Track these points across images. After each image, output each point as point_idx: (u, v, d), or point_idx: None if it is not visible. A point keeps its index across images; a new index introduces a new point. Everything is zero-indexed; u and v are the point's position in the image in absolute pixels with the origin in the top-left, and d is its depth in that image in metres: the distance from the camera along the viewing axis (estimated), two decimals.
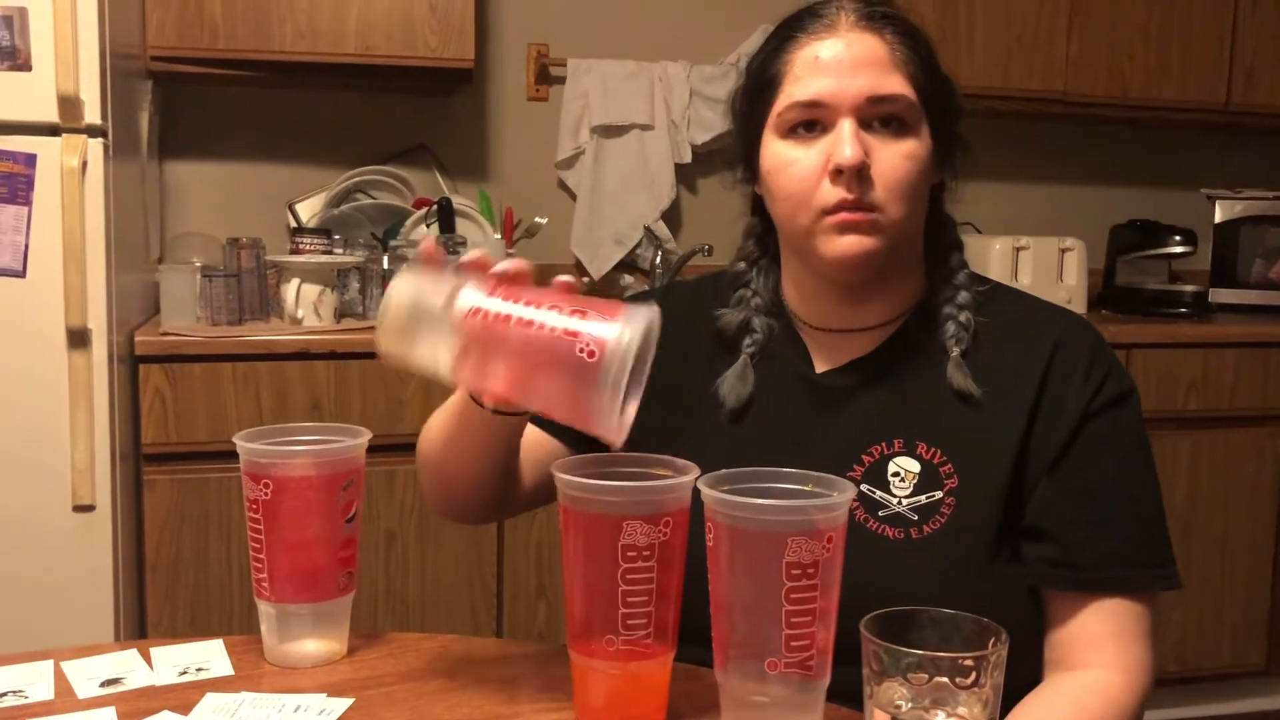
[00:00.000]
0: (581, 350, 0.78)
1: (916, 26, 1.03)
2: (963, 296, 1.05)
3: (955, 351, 1.02)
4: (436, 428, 1.06)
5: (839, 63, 0.98)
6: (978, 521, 0.98)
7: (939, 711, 0.68)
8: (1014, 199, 3.25)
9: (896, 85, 0.98)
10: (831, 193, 0.97)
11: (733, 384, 1.07)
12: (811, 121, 0.99)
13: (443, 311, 0.82)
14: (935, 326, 1.05)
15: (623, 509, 0.78)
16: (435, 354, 0.83)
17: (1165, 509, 1.03)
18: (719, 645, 0.79)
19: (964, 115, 1.06)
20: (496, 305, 0.82)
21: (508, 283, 0.85)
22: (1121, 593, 0.98)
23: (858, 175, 0.96)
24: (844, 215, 0.97)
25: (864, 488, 1.00)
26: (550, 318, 0.80)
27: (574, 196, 2.90)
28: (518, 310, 0.81)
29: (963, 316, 1.04)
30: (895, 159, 0.98)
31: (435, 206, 2.59)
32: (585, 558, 0.80)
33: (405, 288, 0.84)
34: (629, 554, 0.78)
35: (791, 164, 1.00)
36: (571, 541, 0.81)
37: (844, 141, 0.96)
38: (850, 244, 0.98)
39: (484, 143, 2.89)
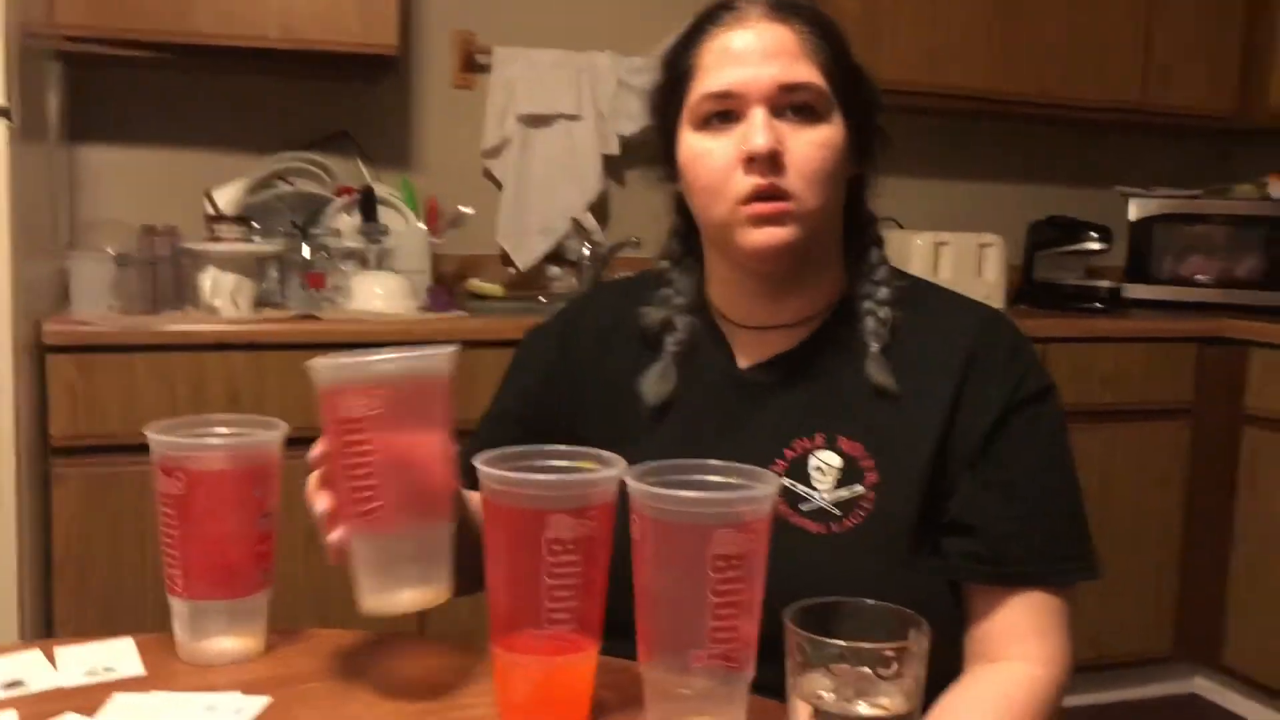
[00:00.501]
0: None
1: (828, 17, 1.03)
2: (883, 293, 1.05)
3: (874, 347, 1.03)
4: None
5: (749, 52, 0.98)
6: (898, 515, 0.99)
7: (861, 702, 0.69)
8: (935, 195, 3.30)
9: (807, 73, 0.98)
10: (745, 182, 0.97)
11: (653, 383, 1.07)
12: (725, 112, 0.99)
13: None
14: (856, 322, 1.06)
15: (547, 503, 0.77)
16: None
17: (1083, 498, 1.05)
18: (643, 638, 0.79)
19: (880, 107, 1.06)
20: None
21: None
22: (1043, 586, 1.00)
23: (771, 162, 0.96)
24: (758, 206, 0.97)
25: (786, 482, 1.00)
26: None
27: (500, 186, 2.88)
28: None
29: (882, 312, 1.04)
30: (808, 146, 0.98)
31: (357, 195, 2.55)
32: (509, 551, 0.79)
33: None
34: (554, 547, 0.77)
35: (706, 155, 1.00)
36: (494, 535, 0.80)
37: (756, 129, 0.96)
38: (766, 235, 0.98)
39: (408, 131, 2.85)
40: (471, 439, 1.19)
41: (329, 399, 0.82)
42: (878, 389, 1.02)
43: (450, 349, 0.85)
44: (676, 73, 1.03)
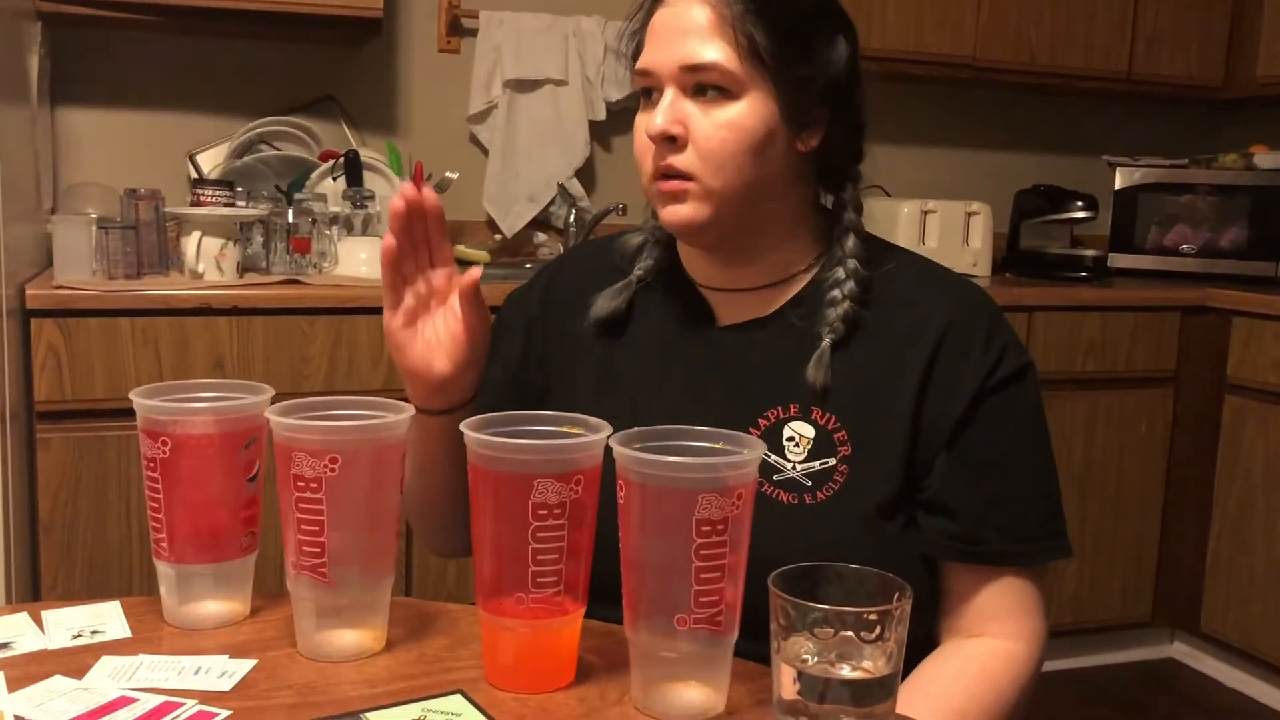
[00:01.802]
0: None
1: None
2: (849, 287, 1.03)
3: (826, 342, 1.01)
4: (408, 473, 1.06)
5: (664, 30, 0.99)
6: (871, 490, 0.99)
7: (844, 665, 0.69)
8: (922, 163, 3.29)
9: (713, 53, 0.96)
10: (652, 160, 1.00)
11: (606, 298, 1.10)
12: (648, 90, 1.01)
13: None
14: (824, 304, 1.04)
15: (534, 467, 0.78)
16: None
17: (1058, 479, 1.05)
18: (629, 602, 0.80)
19: (844, 81, 1.01)
20: None
21: None
22: (1017, 565, 1.01)
23: (670, 143, 0.98)
24: (661, 183, 1.00)
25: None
26: None
27: (486, 152, 2.86)
28: None
29: (842, 308, 1.02)
30: (710, 127, 0.98)
31: (342, 159, 2.53)
32: (495, 516, 0.80)
33: None
34: (539, 512, 0.78)
35: (636, 130, 1.03)
36: (481, 500, 0.80)
37: (657, 111, 0.99)
38: (669, 213, 1.01)
39: (393, 95, 2.83)
40: None
41: (283, 452, 0.84)
42: (855, 367, 1.01)
43: (408, 413, 0.88)
44: (631, 46, 1.05)
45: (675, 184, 0.99)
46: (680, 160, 0.98)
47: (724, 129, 0.97)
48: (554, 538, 0.78)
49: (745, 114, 0.98)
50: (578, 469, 0.79)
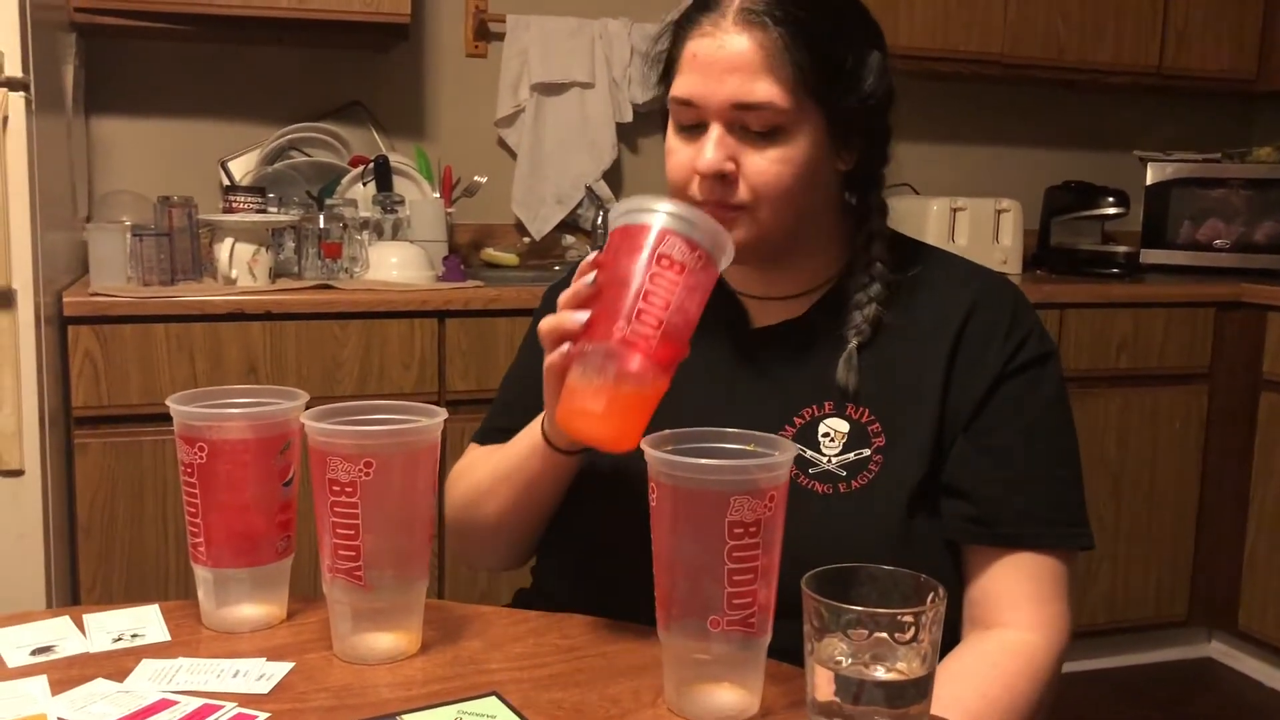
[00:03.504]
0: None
1: (815, 8, 0.98)
2: (875, 289, 1.04)
3: (852, 343, 1.03)
4: (498, 494, 1.08)
5: (711, 64, 0.97)
6: (904, 477, 1.00)
7: (878, 666, 0.69)
8: (951, 160, 3.27)
9: (764, 92, 0.95)
10: (698, 191, 0.99)
11: None
12: (690, 117, 0.99)
13: None
14: (850, 307, 1.05)
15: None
16: None
17: (1082, 471, 1.05)
18: (662, 604, 0.80)
19: (881, 98, 1.02)
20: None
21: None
22: (1035, 548, 1.00)
23: (721, 180, 0.97)
24: (710, 209, 0.98)
25: (797, 447, 1.01)
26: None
27: (514, 155, 2.87)
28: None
29: (868, 310, 1.04)
30: (763, 163, 0.97)
31: (372, 164, 2.55)
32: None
33: None
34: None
35: (674, 153, 1.02)
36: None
37: (705, 147, 0.97)
38: None
39: (421, 100, 2.84)
40: (496, 399, 1.20)
41: (318, 457, 0.85)
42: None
43: (440, 416, 0.88)
44: (663, 63, 1.04)
45: (729, 212, 0.98)
46: (733, 197, 0.98)
47: (777, 164, 0.97)
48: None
49: (795, 151, 0.98)
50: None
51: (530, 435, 1.04)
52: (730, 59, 0.96)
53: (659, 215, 0.87)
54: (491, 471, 1.09)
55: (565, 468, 1.03)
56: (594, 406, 0.85)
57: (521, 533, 1.11)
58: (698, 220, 0.88)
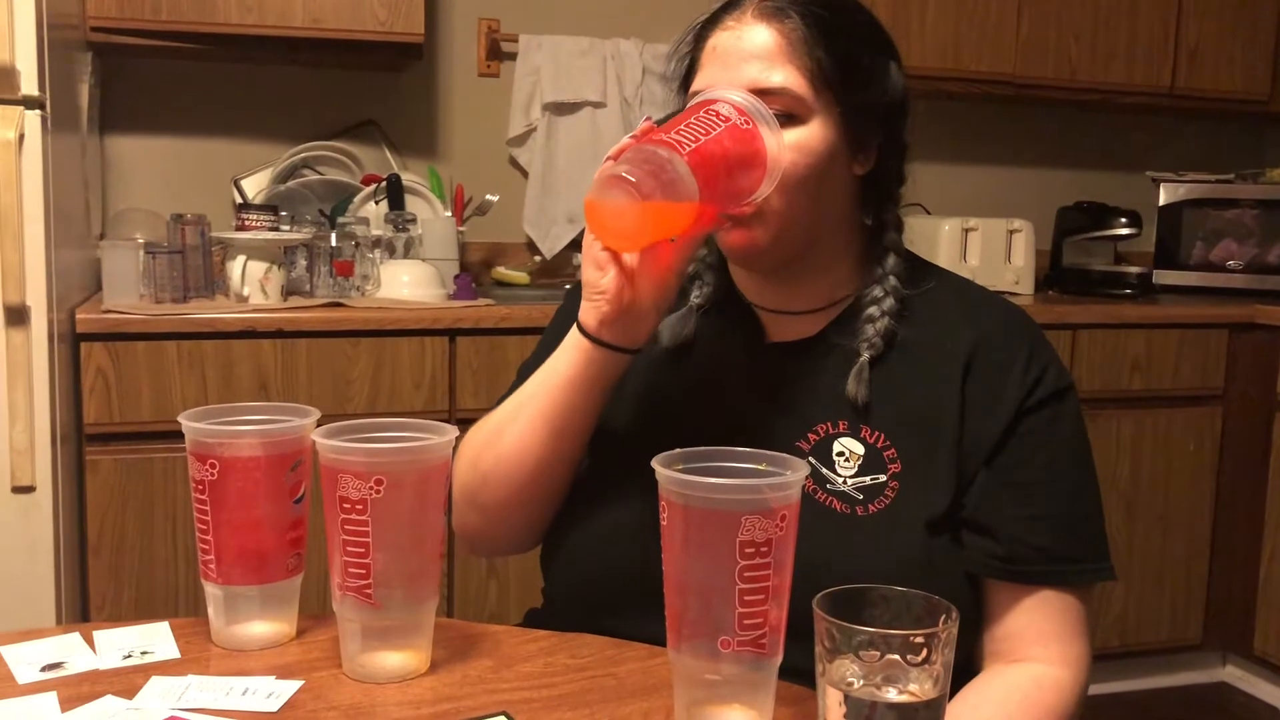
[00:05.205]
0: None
1: (834, 8, 1.00)
2: (888, 304, 1.04)
3: (865, 357, 1.02)
4: (522, 416, 1.04)
5: (729, 54, 0.99)
6: (921, 506, 0.99)
7: (890, 688, 0.69)
8: (963, 181, 3.27)
9: (781, 78, 0.96)
10: None
11: (671, 324, 1.08)
12: None
13: None
14: (862, 320, 1.05)
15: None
16: None
17: (1102, 501, 1.04)
18: (672, 624, 0.79)
19: (899, 98, 1.03)
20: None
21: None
22: (1059, 586, 1.00)
23: None
24: None
25: (811, 460, 1.01)
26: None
27: (526, 174, 2.88)
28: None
29: (880, 324, 1.03)
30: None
31: (384, 183, 2.56)
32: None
33: None
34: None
35: None
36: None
37: None
38: (736, 236, 1.00)
39: (434, 119, 2.86)
40: (510, 386, 1.18)
41: (329, 475, 0.85)
42: (892, 386, 1.02)
43: (451, 434, 0.88)
44: (683, 68, 1.05)
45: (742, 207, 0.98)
46: None
47: (792, 152, 0.97)
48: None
49: (812, 138, 0.98)
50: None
51: (564, 343, 1.01)
52: (750, 49, 0.98)
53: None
54: (514, 400, 1.06)
55: (598, 368, 0.99)
56: (627, 176, 0.88)
57: (541, 474, 1.04)
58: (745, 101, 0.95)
